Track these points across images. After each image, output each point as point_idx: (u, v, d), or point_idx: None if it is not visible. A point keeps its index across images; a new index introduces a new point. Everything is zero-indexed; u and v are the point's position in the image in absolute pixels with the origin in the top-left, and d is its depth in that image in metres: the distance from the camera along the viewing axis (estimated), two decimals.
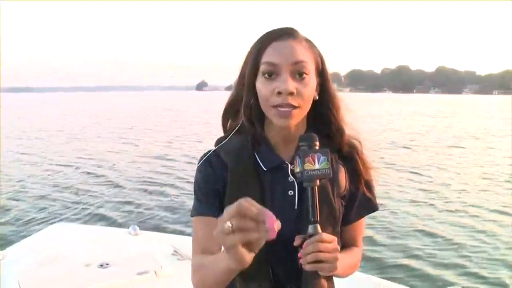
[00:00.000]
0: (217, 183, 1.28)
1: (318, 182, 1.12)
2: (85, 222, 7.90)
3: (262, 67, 1.20)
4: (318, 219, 1.12)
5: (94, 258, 3.25)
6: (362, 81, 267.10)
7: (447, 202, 9.79)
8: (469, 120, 36.44)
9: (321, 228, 1.13)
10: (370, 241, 7.06)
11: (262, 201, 1.20)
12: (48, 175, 12.94)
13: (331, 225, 1.27)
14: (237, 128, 1.32)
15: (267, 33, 1.24)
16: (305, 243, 1.11)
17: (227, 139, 1.33)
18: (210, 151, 1.34)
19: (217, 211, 1.24)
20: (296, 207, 1.25)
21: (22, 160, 15.84)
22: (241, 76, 1.28)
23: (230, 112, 1.36)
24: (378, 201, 1.40)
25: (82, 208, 9.16)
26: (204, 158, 1.33)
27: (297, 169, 1.13)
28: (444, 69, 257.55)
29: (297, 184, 1.25)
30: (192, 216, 1.33)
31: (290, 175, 1.26)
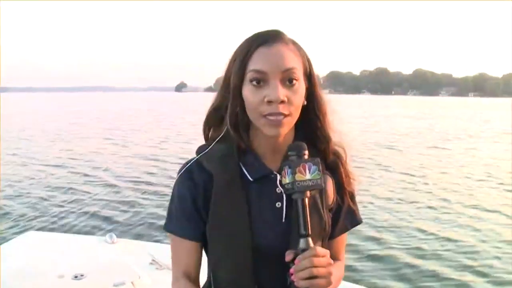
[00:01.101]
0: (198, 197, 1.22)
1: (308, 193, 1.09)
2: (60, 230, 7.63)
3: (250, 75, 1.14)
4: (310, 232, 1.08)
5: (68, 268, 3.10)
6: (341, 83, 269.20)
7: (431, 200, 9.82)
8: (449, 122, 36.90)
9: (312, 242, 1.10)
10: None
11: (248, 214, 1.17)
12: (34, 178, 12.61)
13: (321, 238, 1.23)
14: (220, 136, 1.24)
15: (253, 37, 1.18)
16: (297, 259, 1.07)
17: (210, 147, 1.25)
18: (190, 160, 1.26)
19: (201, 236, 1.23)
20: (283, 220, 1.19)
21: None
22: (226, 82, 1.22)
23: (213, 119, 1.28)
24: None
25: (57, 215, 8.91)
26: (184, 169, 1.25)
27: (287, 180, 1.09)
28: (422, 72, 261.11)
29: (285, 195, 1.19)
30: (172, 233, 1.26)
31: (279, 186, 1.20)
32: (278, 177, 1.20)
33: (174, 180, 1.27)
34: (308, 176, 1.07)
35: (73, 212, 9.03)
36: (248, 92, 1.15)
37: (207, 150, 1.25)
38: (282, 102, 1.13)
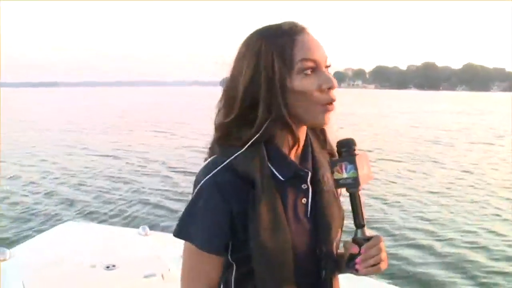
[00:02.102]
0: (232, 206, 1.13)
1: (360, 187, 1.15)
2: (99, 221, 7.88)
3: (301, 64, 1.12)
4: (365, 222, 1.17)
5: (100, 259, 3.18)
6: (387, 77, 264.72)
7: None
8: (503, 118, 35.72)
9: (337, 231, 1.24)
10: None
11: (285, 214, 1.16)
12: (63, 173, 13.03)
13: (341, 227, 1.29)
14: (256, 137, 1.16)
15: (281, 28, 1.16)
16: (364, 248, 1.15)
17: (243, 150, 1.16)
18: (215, 163, 1.17)
19: (227, 250, 1.18)
20: (308, 215, 1.21)
21: (37, 155, 16.02)
22: (261, 79, 1.14)
23: (242, 120, 1.18)
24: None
25: (98, 206, 9.18)
26: (213, 174, 1.15)
27: (344, 175, 1.14)
28: (472, 66, 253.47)
29: (311, 192, 1.22)
30: (199, 247, 1.16)
31: (307, 183, 1.22)
32: (309, 173, 1.22)
33: (198, 183, 1.17)
34: (362, 171, 1.14)
35: (116, 205, 9.28)
36: (302, 82, 1.13)
37: (238, 153, 1.16)
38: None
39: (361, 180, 1.13)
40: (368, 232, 1.18)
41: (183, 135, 22.00)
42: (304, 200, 1.21)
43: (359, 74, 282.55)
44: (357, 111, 41.46)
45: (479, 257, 6.71)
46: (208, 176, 1.14)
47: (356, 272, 1.17)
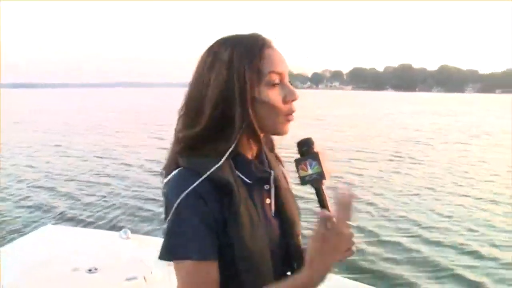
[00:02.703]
0: (214, 213, 1.13)
1: (324, 182, 1.19)
2: (80, 225, 7.84)
3: (269, 76, 1.17)
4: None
5: (82, 262, 3.17)
6: (364, 79, 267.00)
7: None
8: (475, 119, 36.40)
9: (298, 225, 1.31)
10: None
11: (257, 217, 1.20)
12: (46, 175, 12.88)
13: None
14: (231, 148, 1.17)
15: (250, 40, 1.20)
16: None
17: (220, 163, 1.15)
18: (186, 176, 1.14)
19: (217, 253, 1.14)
20: (273, 214, 1.27)
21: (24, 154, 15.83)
22: (233, 89, 1.15)
23: (211, 130, 1.17)
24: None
25: (78, 209, 9.10)
26: (192, 188, 1.12)
27: (309, 172, 1.19)
28: (447, 68, 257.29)
29: (274, 192, 1.28)
30: (194, 258, 1.10)
31: (270, 183, 1.27)
32: (272, 173, 1.28)
33: (175, 197, 1.11)
34: (309, 171, 1.19)
35: (96, 208, 9.22)
36: (269, 93, 1.17)
37: (217, 165, 1.15)
38: None
39: (326, 174, 1.18)
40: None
41: (166, 138, 21.87)
42: (268, 200, 1.26)
43: (336, 76, 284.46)
44: (336, 112, 41.82)
45: (451, 252, 6.98)
46: (188, 190, 1.11)
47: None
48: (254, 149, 1.27)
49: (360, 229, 7.87)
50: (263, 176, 1.25)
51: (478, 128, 27.98)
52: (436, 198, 10.34)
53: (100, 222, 8.15)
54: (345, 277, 3.62)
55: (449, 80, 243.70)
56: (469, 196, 10.52)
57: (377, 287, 5.65)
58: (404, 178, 12.60)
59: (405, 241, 7.44)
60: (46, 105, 58.81)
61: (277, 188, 1.29)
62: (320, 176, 1.18)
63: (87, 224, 7.98)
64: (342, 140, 20.85)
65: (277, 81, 1.19)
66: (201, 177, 1.13)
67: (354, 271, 6.04)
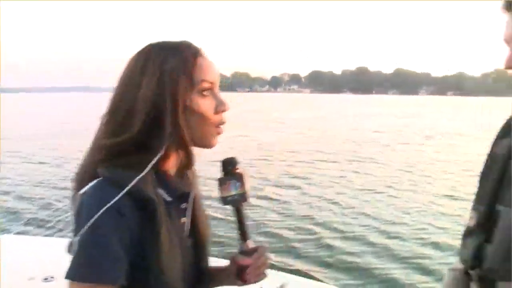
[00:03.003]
0: (131, 235, 1.03)
1: (242, 203, 1.21)
2: (36, 233, 7.65)
3: (202, 85, 1.13)
4: (249, 235, 1.24)
5: (39, 271, 3.07)
6: (322, 82, 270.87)
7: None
8: (429, 121, 37.48)
9: (209, 246, 1.29)
10: None
11: (176, 238, 1.13)
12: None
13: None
14: (156, 159, 1.10)
15: (183, 47, 1.15)
16: (255, 257, 1.22)
17: (142, 174, 1.07)
18: (106, 189, 1.04)
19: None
20: (188, 234, 1.23)
21: None
22: (159, 95, 1.09)
23: (139, 139, 1.09)
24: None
25: (35, 218, 8.87)
26: (110, 204, 1.01)
27: (232, 192, 1.19)
28: (402, 71, 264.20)
29: (191, 210, 1.23)
30: (103, 282, 1.00)
31: (188, 202, 1.22)
32: (192, 192, 1.23)
33: (91, 210, 1.01)
34: (247, 187, 1.20)
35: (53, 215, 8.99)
36: (200, 102, 1.13)
37: (138, 177, 1.06)
38: None
39: (248, 196, 1.19)
40: (252, 243, 1.24)
41: None
42: (183, 220, 1.21)
43: (295, 79, 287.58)
44: (295, 115, 42.27)
45: (410, 246, 7.33)
46: (108, 205, 1.00)
47: (244, 282, 1.24)
48: (178, 164, 1.19)
49: (325, 226, 8.18)
50: (182, 194, 1.19)
51: (432, 129, 28.82)
52: (395, 195, 10.68)
53: (55, 230, 7.98)
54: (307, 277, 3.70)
55: (404, 83, 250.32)
56: (427, 192, 10.99)
57: (342, 280, 6.02)
58: (365, 178, 12.91)
59: (367, 235, 7.74)
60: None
61: (194, 207, 1.24)
62: (243, 197, 1.19)
63: (56, 231, 7.81)
64: (303, 142, 21.13)
65: (208, 90, 1.15)
66: (122, 190, 1.02)
67: (321, 266, 6.34)
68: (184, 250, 1.16)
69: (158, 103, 1.09)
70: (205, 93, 1.14)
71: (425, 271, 6.35)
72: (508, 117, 1.49)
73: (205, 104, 1.14)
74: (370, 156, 16.97)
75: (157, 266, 1.05)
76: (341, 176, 13.00)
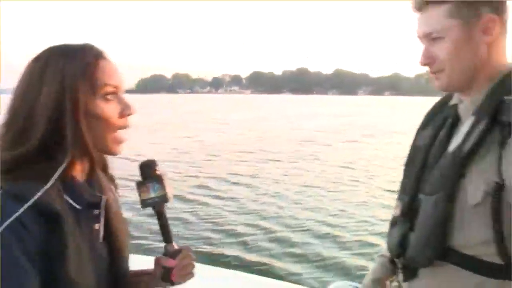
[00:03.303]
0: (37, 247, 0.99)
1: (163, 205, 1.20)
2: None
3: (104, 89, 1.10)
4: (172, 237, 1.24)
5: None
6: (263, 83, 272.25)
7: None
8: (368, 119, 38.50)
9: (128, 249, 1.27)
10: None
11: (86, 247, 1.09)
12: None
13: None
14: (63, 168, 1.06)
15: (84, 50, 1.11)
16: (179, 258, 1.22)
17: (48, 185, 1.03)
18: (9, 201, 0.99)
19: None
20: (102, 240, 1.18)
21: None
22: (59, 102, 1.05)
23: (43, 149, 1.05)
24: None
25: None
26: (13, 218, 0.97)
27: (151, 195, 1.18)
28: (341, 72, 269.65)
29: (103, 216, 1.18)
30: None
31: (100, 208, 1.17)
32: (103, 198, 1.18)
33: None
34: (168, 188, 1.19)
35: None
36: (104, 107, 1.10)
37: (44, 189, 1.01)
38: None
39: (169, 197, 1.18)
40: (176, 245, 1.24)
41: None
42: (97, 226, 1.17)
43: (236, 80, 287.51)
44: (236, 116, 42.32)
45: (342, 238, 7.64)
46: (10, 219, 0.96)
47: (171, 283, 1.24)
48: (86, 170, 1.16)
49: (274, 221, 8.45)
50: (93, 201, 1.15)
51: (371, 128, 29.60)
52: (339, 190, 11.12)
53: None
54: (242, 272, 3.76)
55: (343, 83, 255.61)
56: (368, 187, 11.53)
57: (295, 271, 6.22)
58: (308, 175, 13.17)
59: (314, 228, 8.06)
60: None
61: (108, 213, 1.20)
62: (163, 199, 1.18)
63: None
64: (245, 143, 21.22)
65: (112, 94, 1.11)
66: (25, 203, 0.98)
67: (272, 258, 6.62)
68: (98, 258, 1.13)
69: (59, 110, 1.05)
70: (108, 97, 1.10)
71: (371, 257, 6.55)
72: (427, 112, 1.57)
73: (109, 109, 1.10)
74: (312, 154, 17.34)
75: (66, 278, 1.02)
76: (285, 175, 13.22)
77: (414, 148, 1.53)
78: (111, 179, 1.30)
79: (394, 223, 1.50)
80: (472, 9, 1.29)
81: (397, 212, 1.48)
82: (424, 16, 1.34)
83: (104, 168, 1.28)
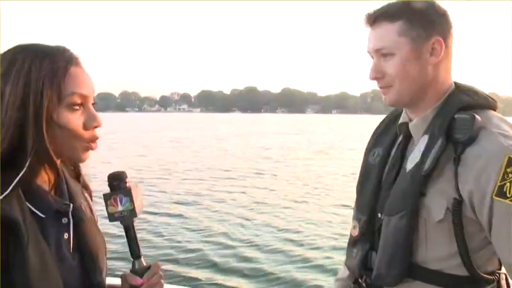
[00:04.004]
0: None
1: (132, 219, 1.16)
2: None
3: (71, 98, 1.05)
4: (141, 253, 1.20)
5: None
6: (212, 101, 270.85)
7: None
8: (317, 137, 39.38)
9: (103, 259, 1.21)
10: None
11: (50, 257, 1.05)
12: None
13: (106, 254, 1.28)
14: (22, 175, 1.02)
15: (54, 54, 1.06)
16: (147, 276, 1.17)
17: (6, 193, 0.99)
18: None
19: None
20: (72, 250, 1.13)
21: None
22: (22, 106, 1.01)
23: (3, 157, 1.01)
24: None
25: None
26: None
27: (118, 208, 1.14)
28: (289, 90, 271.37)
29: (72, 225, 1.14)
30: None
31: (69, 216, 1.14)
32: (71, 206, 1.15)
33: None
34: (120, 207, 1.15)
35: None
36: (69, 117, 1.05)
37: (3, 196, 0.98)
38: None
39: (137, 211, 1.15)
40: (145, 261, 1.20)
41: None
42: (66, 235, 1.12)
43: (185, 98, 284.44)
44: (188, 134, 42.25)
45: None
46: None
47: None
48: (52, 178, 1.13)
49: (228, 237, 8.62)
50: (60, 209, 1.11)
51: (320, 145, 30.42)
52: (291, 207, 11.42)
53: None
54: None
55: (292, 102, 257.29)
56: (319, 203, 11.84)
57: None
58: (260, 192, 13.53)
59: (270, 244, 8.25)
60: None
61: (79, 221, 1.15)
62: (132, 214, 1.14)
63: None
64: (198, 161, 21.41)
65: (78, 104, 1.07)
66: None
67: (232, 275, 6.78)
68: (67, 269, 1.08)
69: (21, 115, 1.01)
70: (75, 107, 1.06)
71: (326, 269, 6.97)
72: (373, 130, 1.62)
73: (74, 119, 1.06)
74: (264, 172, 17.69)
75: None
76: (242, 192, 13.49)
77: (366, 167, 1.55)
78: (85, 187, 1.27)
79: (353, 243, 1.50)
80: (422, 30, 1.33)
81: (355, 232, 1.49)
82: (376, 31, 1.37)
83: (77, 176, 1.25)
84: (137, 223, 1.18)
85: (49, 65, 1.03)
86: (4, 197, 0.97)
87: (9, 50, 1.05)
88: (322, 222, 9.82)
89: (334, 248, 7.88)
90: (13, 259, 0.97)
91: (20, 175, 1.00)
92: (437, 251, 1.28)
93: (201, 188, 14.11)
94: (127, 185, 1.15)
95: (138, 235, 1.19)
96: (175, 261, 7.34)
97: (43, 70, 1.02)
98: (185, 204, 11.86)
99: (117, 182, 1.15)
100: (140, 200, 1.17)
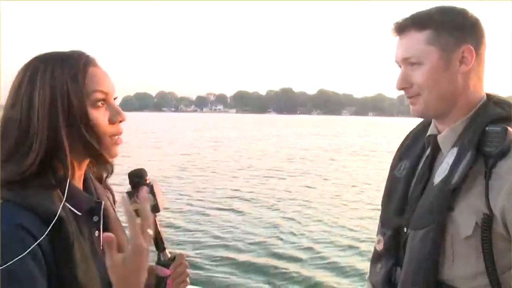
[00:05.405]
0: (43, 252, 1.01)
1: (154, 214, 1.17)
2: None
3: (95, 95, 1.11)
4: (165, 245, 1.25)
5: None
6: (247, 102, 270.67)
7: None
8: (356, 139, 39.43)
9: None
10: None
11: (89, 252, 1.11)
12: None
13: None
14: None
15: (72, 57, 1.13)
16: (174, 267, 1.24)
17: (51, 195, 1.06)
18: (11, 210, 1.01)
19: None
20: (101, 247, 1.15)
21: None
22: (54, 112, 1.07)
23: (42, 159, 1.07)
24: None
25: None
26: (21, 227, 0.99)
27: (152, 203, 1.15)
28: (325, 92, 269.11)
29: (102, 223, 1.19)
30: None
31: (100, 214, 1.19)
32: (103, 204, 1.20)
33: None
34: (159, 197, 1.19)
35: None
36: (94, 114, 1.10)
37: (41, 196, 1.05)
38: None
39: (160, 206, 1.18)
40: (169, 253, 1.24)
41: None
42: (96, 233, 1.17)
43: (220, 99, 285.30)
44: (227, 134, 42.85)
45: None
46: (13, 223, 0.98)
47: None
48: (81, 177, 1.18)
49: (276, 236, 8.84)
50: (92, 207, 1.17)
51: (360, 148, 30.38)
52: (339, 206, 11.64)
53: None
54: None
55: (327, 104, 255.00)
56: (364, 202, 12.09)
57: None
58: (313, 191, 13.79)
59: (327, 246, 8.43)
60: None
61: (106, 219, 1.20)
62: (155, 208, 1.16)
63: None
64: (241, 161, 21.82)
65: (101, 100, 1.12)
66: (30, 212, 1.00)
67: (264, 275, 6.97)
68: (100, 265, 1.10)
69: (53, 117, 1.06)
70: (98, 104, 1.11)
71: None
72: (402, 140, 1.58)
73: (99, 115, 1.11)
74: (314, 172, 17.90)
75: (75, 283, 1.04)
76: (288, 191, 13.75)
77: (392, 180, 1.50)
78: (107, 187, 1.32)
79: (377, 258, 1.46)
80: (451, 38, 1.29)
81: (379, 247, 1.44)
82: (404, 40, 1.33)
83: (99, 179, 1.30)
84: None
85: (70, 68, 1.09)
86: (48, 196, 1.05)
87: (30, 60, 1.12)
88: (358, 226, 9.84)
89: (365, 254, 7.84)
90: (61, 255, 1.02)
91: (68, 180, 1.08)
92: (464, 269, 1.23)
93: (244, 186, 14.45)
94: (148, 181, 1.18)
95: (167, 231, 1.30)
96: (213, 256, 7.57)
97: (65, 74, 1.08)
98: (230, 201, 12.18)
99: (138, 179, 1.18)
100: (162, 196, 1.20)
